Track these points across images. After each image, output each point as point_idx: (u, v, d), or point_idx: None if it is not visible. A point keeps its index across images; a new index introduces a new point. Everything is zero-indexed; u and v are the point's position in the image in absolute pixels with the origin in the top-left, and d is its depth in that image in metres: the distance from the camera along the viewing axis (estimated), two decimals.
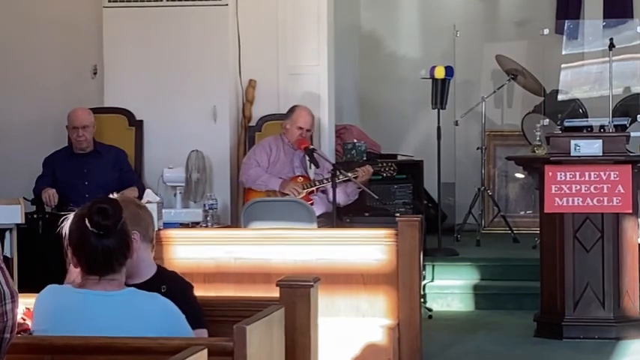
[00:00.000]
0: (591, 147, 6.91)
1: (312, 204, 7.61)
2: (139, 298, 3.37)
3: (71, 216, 3.40)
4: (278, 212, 7.24)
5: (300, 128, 7.87)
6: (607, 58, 8.11)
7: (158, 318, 3.34)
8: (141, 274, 3.71)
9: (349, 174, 7.55)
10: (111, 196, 3.64)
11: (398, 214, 7.24)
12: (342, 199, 7.79)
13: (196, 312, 3.65)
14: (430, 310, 7.77)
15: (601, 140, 6.93)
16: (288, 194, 7.73)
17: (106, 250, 3.31)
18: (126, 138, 8.39)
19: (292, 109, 8.01)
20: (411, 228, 5.24)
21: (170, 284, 3.70)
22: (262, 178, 7.83)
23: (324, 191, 7.86)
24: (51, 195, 7.75)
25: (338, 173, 7.43)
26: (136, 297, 3.37)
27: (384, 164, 8.00)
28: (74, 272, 3.49)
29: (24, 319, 3.48)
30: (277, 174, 7.87)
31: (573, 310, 6.90)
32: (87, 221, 3.28)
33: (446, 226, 9.66)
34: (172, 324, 3.37)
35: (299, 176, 7.91)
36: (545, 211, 6.99)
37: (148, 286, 3.53)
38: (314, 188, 7.80)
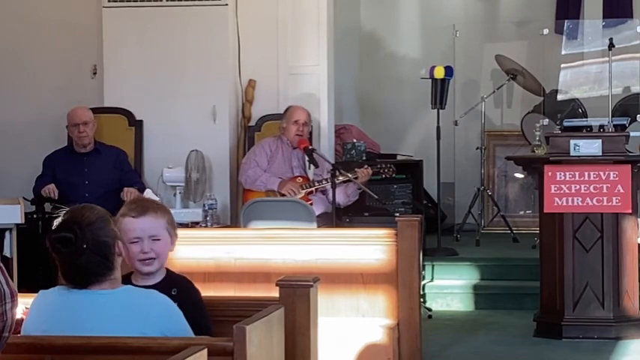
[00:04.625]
0: (591, 147, 6.91)
1: (311, 204, 7.62)
2: (136, 296, 3.37)
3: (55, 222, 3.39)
4: (277, 212, 7.25)
5: (296, 122, 7.90)
6: (606, 58, 8.12)
7: (156, 315, 3.34)
8: (153, 277, 3.76)
9: (349, 175, 7.56)
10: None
11: (397, 214, 7.25)
12: (342, 199, 7.80)
13: (205, 318, 3.67)
14: (430, 309, 7.77)
15: (600, 140, 6.93)
16: (286, 194, 7.74)
17: (78, 268, 3.29)
18: (126, 138, 8.40)
19: (287, 109, 8.09)
20: (411, 228, 5.24)
21: (180, 288, 3.73)
22: (261, 178, 7.84)
23: (323, 192, 7.86)
24: (51, 189, 7.76)
25: (337, 173, 7.43)
26: (133, 294, 3.37)
27: (383, 165, 8.01)
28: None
29: (23, 319, 3.48)
30: (276, 174, 7.88)
31: (573, 309, 6.90)
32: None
33: (445, 225, 9.66)
34: (170, 321, 3.37)
35: (298, 176, 7.91)
36: (545, 211, 6.99)
37: (157, 288, 3.54)
38: (313, 189, 7.81)
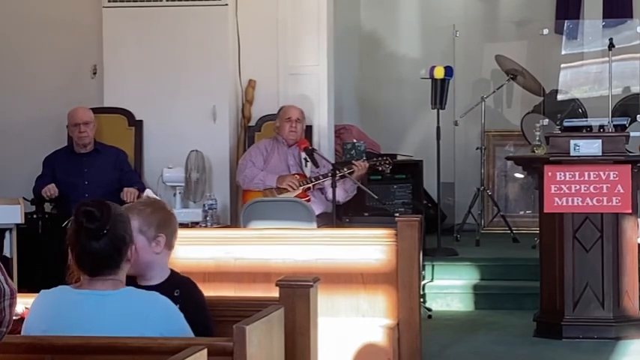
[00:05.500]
0: (591, 147, 6.91)
1: (308, 200, 7.63)
2: (137, 297, 3.38)
3: None
4: (277, 212, 7.25)
5: (289, 119, 7.93)
6: (606, 58, 8.12)
7: (156, 317, 3.34)
8: (155, 277, 3.76)
9: (345, 169, 7.58)
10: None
11: (397, 214, 7.25)
12: (341, 196, 7.80)
13: (208, 319, 3.68)
14: (430, 310, 7.77)
15: (600, 140, 6.94)
16: (285, 189, 7.74)
17: (93, 252, 3.31)
18: (125, 138, 8.39)
19: (279, 109, 8.11)
20: (411, 228, 5.24)
21: (183, 289, 3.73)
22: (259, 176, 7.85)
23: (321, 190, 7.87)
24: (50, 188, 7.76)
25: (337, 173, 7.44)
26: (134, 296, 3.38)
27: (380, 159, 8.02)
28: None
29: (24, 319, 3.49)
30: (272, 172, 7.88)
31: (573, 309, 6.90)
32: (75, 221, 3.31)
33: (445, 226, 9.66)
34: (170, 323, 3.37)
35: (295, 174, 7.92)
36: (545, 211, 6.99)
37: (160, 289, 3.55)
38: (310, 185, 7.82)
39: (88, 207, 3.31)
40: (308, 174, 7.92)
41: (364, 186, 7.76)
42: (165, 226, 3.78)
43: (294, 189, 7.74)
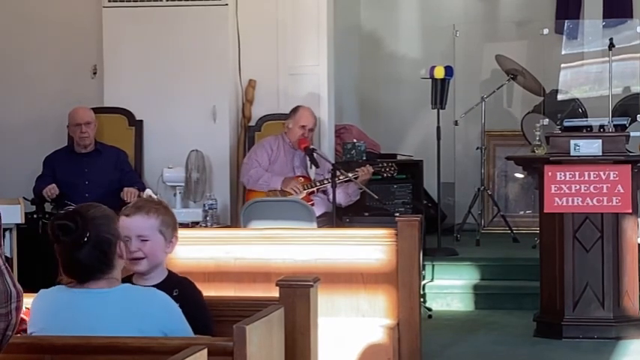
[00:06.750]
0: (591, 147, 6.91)
1: (312, 204, 7.61)
2: (134, 294, 3.39)
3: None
4: (277, 212, 7.25)
5: (303, 127, 7.89)
6: (607, 58, 8.12)
7: (155, 313, 3.35)
8: (154, 277, 3.78)
9: (350, 174, 7.56)
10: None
11: (397, 214, 7.25)
12: (343, 199, 7.80)
13: (207, 318, 3.68)
14: (430, 309, 7.77)
15: (601, 140, 6.94)
16: (289, 192, 7.73)
17: (79, 261, 3.31)
18: (126, 138, 8.40)
19: (295, 109, 8.04)
20: (411, 228, 5.24)
21: (181, 288, 3.75)
22: (264, 177, 7.84)
23: (324, 191, 7.86)
24: (51, 188, 7.76)
25: (338, 173, 7.44)
26: (131, 292, 3.39)
27: (385, 164, 8.00)
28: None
29: (24, 320, 3.49)
30: (277, 174, 7.88)
31: (573, 309, 6.90)
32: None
33: (445, 225, 9.66)
34: (170, 319, 3.38)
35: (299, 176, 7.92)
36: (545, 210, 6.99)
37: (159, 289, 3.56)
38: (314, 189, 7.81)
39: (61, 220, 3.29)
40: (313, 176, 7.91)
41: (365, 186, 7.74)
42: (176, 227, 3.85)
43: (297, 193, 7.73)
